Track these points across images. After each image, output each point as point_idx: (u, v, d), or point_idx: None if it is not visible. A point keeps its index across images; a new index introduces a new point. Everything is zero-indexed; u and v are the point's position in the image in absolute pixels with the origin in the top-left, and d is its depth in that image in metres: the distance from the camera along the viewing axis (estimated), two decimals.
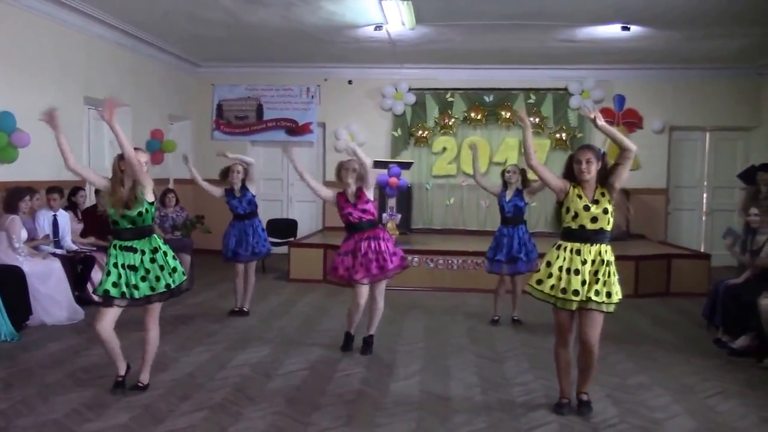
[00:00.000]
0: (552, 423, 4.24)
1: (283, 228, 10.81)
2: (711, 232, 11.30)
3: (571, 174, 4.27)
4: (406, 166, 9.81)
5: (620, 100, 11.13)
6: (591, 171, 4.15)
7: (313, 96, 11.52)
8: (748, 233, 7.22)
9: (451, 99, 11.39)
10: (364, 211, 5.59)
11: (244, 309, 7.19)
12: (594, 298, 4.11)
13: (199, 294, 8.15)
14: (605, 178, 4.17)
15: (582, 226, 4.19)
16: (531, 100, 11.21)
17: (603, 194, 4.19)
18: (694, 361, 5.72)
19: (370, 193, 5.63)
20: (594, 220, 4.17)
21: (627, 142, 4.09)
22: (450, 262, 8.90)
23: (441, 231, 11.38)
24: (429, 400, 4.63)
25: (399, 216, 9.39)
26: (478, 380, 5.08)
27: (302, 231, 10.95)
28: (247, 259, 7.07)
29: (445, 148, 11.44)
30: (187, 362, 5.41)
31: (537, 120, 11.14)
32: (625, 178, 4.15)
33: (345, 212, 5.63)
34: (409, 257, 8.90)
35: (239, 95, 11.68)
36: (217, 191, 6.99)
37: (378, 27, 8.55)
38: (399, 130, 11.46)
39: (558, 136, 11.17)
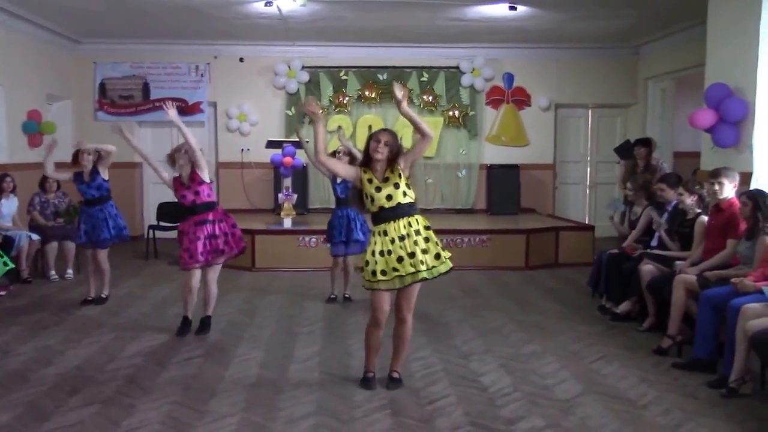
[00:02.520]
0: (450, 396, 4.36)
1: (175, 211, 10.43)
2: (594, 205, 11.90)
3: (368, 153, 4.36)
4: (301, 145, 9.66)
5: (509, 78, 11.45)
6: (384, 152, 4.27)
7: (202, 74, 11.11)
8: (627, 205, 7.69)
9: (345, 77, 11.33)
10: (196, 193, 5.66)
11: (102, 296, 6.92)
12: (421, 268, 4.19)
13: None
14: (394, 159, 4.30)
15: (381, 207, 4.30)
16: (424, 78, 11.33)
17: (392, 170, 4.31)
18: (580, 328, 6.04)
19: (204, 175, 5.70)
20: (389, 197, 4.28)
21: (425, 128, 4.27)
22: None
23: None
24: (329, 381, 4.64)
25: (295, 196, 9.29)
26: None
27: None
28: (96, 245, 6.75)
29: (340, 127, 11.30)
30: (74, 355, 5.16)
31: (430, 98, 11.31)
32: (412, 160, 4.33)
33: (179, 195, 5.71)
34: (308, 238, 8.90)
35: (123, 73, 11.08)
36: (65, 176, 6.89)
37: (268, 3, 8.34)
38: (293, 109, 11.28)
39: (451, 113, 11.37)
